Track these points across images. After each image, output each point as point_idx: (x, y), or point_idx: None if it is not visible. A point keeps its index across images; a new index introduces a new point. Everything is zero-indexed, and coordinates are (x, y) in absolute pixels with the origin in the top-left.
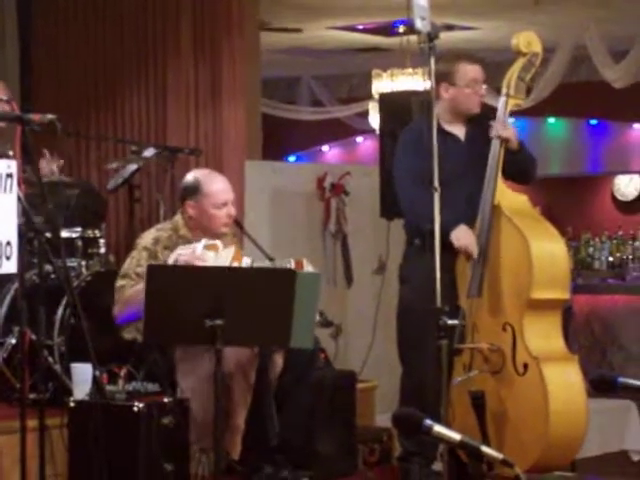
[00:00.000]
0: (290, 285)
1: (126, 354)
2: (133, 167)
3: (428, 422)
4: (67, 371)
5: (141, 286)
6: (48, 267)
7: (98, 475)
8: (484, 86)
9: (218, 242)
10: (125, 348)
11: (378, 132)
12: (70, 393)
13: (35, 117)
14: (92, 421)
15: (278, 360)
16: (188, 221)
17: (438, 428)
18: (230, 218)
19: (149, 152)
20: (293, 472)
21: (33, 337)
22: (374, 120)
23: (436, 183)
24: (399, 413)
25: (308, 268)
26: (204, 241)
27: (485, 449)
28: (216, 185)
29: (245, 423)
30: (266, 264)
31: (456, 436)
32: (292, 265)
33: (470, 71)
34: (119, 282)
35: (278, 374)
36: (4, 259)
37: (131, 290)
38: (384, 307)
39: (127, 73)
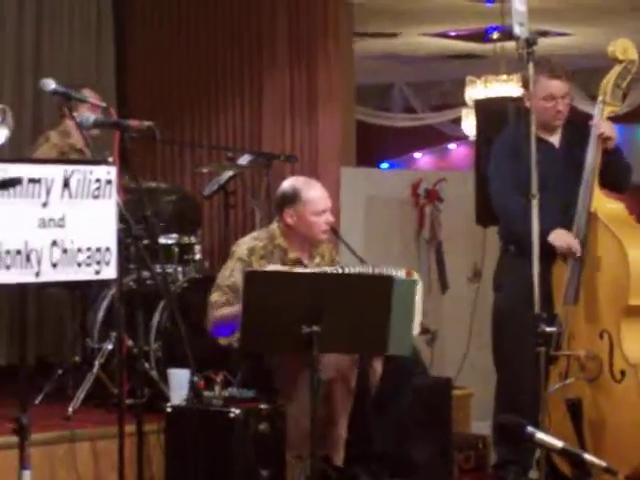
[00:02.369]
0: (387, 291)
1: (222, 360)
2: (229, 173)
3: (530, 429)
4: (163, 376)
5: (236, 309)
6: (144, 273)
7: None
8: (566, 100)
9: None
10: (221, 354)
11: (473, 138)
12: (166, 399)
13: (133, 123)
14: (189, 427)
15: (377, 367)
16: (285, 230)
17: (540, 435)
18: (329, 225)
19: (245, 159)
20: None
21: (130, 343)
22: (467, 127)
23: (534, 189)
24: (501, 420)
25: (415, 278)
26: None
27: (587, 456)
28: (315, 192)
29: (348, 430)
30: (367, 270)
31: (558, 443)
32: (403, 274)
33: (549, 86)
34: (212, 295)
35: (378, 381)
36: (103, 265)
37: (226, 311)
38: (479, 314)
39: (222, 80)
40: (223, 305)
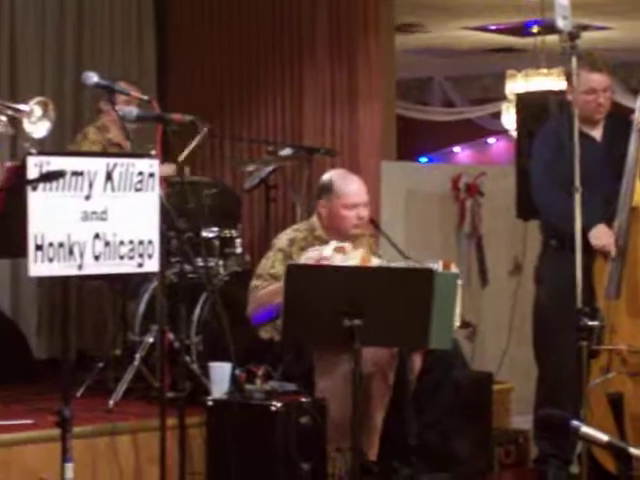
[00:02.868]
0: (428, 285)
1: (263, 353)
2: (269, 167)
3: (575, 423)
4: (204, 370)
5: (274, 287)
6: (186, 266)
7: (236, 473)
8: (607, 93)
9: (347, 244)
10: (262, 347)
11: (513, 132)
12: (207, 392)
13: (176, 117)
14: (230, 420)
15: (417, 361)
16: (323, 221)
17: (585, 429)
18: (360, 220)
19: (285, 152)
20: (430, 474)
21: (171, 336)
22: (507, 121)
23: (577, 183)
24: (545, 414)
25: (454, 270)
26: (334, 243)
27: (633, 450)
28: (349, 186)
29: (383, 423)
30: (407, 264)
31: (603, 437)
32: (440, 266)
33: (590, 80)
34: (252, 282)
35: (417, 375)
36: (146, 257)
37: (264, 291)
38: (520, 308)
39: (263, 74)
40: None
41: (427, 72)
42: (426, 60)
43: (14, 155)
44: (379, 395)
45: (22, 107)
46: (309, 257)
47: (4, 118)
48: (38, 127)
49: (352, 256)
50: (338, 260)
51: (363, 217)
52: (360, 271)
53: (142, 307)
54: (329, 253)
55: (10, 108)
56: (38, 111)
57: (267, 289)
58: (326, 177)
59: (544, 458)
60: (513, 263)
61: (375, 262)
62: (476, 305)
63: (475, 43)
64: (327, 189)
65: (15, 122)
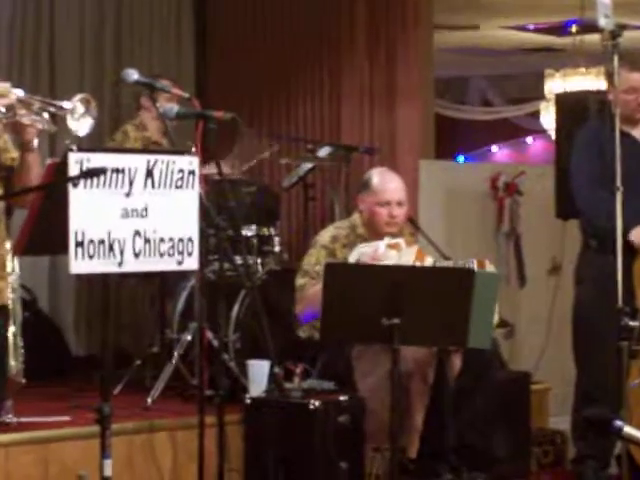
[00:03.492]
0: (468, 284)
1: (300, 351)
2: (308, 166)
3: (618, 423)
4: (241, 368)
5: (321, 286)
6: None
7: (274, 472)
8: None
9: (401, 240)
10: (299, 345)
11: (553, 132)
12: (245, 390)
13: (217, 114)
14: (268, 418)
15: (456, 361)
16: (363, 218)
17: (629, 429)
18: (392, 218)
19: (324, 151)
20: (468, 474)
21: (209, 334)
22: (546, 120)
23: (618, 182)
24: (587, 414)
25: (490, 269)
26: (387, 239)
27: None
28: (385, 184)
29: (422, 423)
30: (446, 263)
31: None
32: (474, 265)
33: (630, 79)
34: (299, 280)
35: (456, 375)
36: (186, 255)
37: (312, 290)
38: (558, 308)
39: (302, 72)
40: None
41: (465, 71)
42: (464, 59)
43: (53, 152)
44: (419, 394)
45: (65, 104)
46: (363, 253)
47: (47, 115)
48: (81, 124)
49: (406, 252)
50: (393, 257)
51: (395, 216)
52: (400, 270)
53: (180, 305)
54: (383, 250)
55: (53, 105)
56: (80, 108)
57: (315, 288)
58: (367, 174)
59: (582, 459)
60: (551, 263)
61: (429, 260)
62: (514, 304)
63: (513, 42)
64: (364, 185)
65: (56, 119)
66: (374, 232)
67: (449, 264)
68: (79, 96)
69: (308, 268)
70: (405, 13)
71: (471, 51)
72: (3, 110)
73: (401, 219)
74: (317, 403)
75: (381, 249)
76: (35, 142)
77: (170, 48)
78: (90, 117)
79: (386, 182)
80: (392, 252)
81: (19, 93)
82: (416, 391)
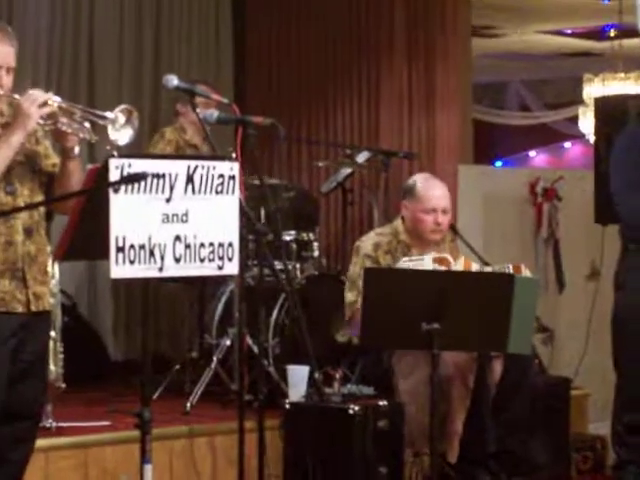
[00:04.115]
0: (508, 289)
1: (339, 356)
2: (347, 171)
3: None
4: (280, 373)
5: None
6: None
7: (313, 477)
8: None
9: (447, 255)
10: (338, 350)
11: (592, 137)
12: (284, 395)
13: (257, 120)
14: (308, 423)
15: (497, 366)
16: (406, 225)
17: None
18: (438, 226)
19: (363, 156)
20: (508, 479)
21: (249, 339)
22: (584, 125)
23: None
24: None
25: (526, 273)
26: (433, 254)
27: None
28: (430, 191)
29: (462, 428)
30: (502, 268)
31: None
32: (510, 269)
33: None
34: (350, 296)
35: (497, 380)
36: (226, 260)
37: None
38: (597, 314)
39: (340, 77)
40: None
41: (503, 76)
42: (502, 64)
43: (93, 159)
44: (459, 399)
45: (107, 114)
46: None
47: (88, 124)
48: (121, 134)
49: (457, 266)
50: None
51: (441, 223)
52: (439, 275)
53: (219, 310)
54: (430, 267)
55: (95, 114)
56: (122, 119)
57: None
58: (411, 179)
59: (622, 464)
60: (590, 268)
61: (476, 268)
62: (553, 310)
63: (551, 47)
64: (409, 191)
65: (96, 128)
66: (418, 239)
67: (489, 270)
68: (121, 107)
69: (356, 281)
70: (444, 19)
71: (509, 56)
72: (44, 118)
73: (445, 226)
74: (356, 408)
75: (428, 266)
76: (76, 149)
77: (209, 54)
78: (131, 128)
79: (431, 189)
80: (441, 268)
81: (61, 102)
82: (457, 396)
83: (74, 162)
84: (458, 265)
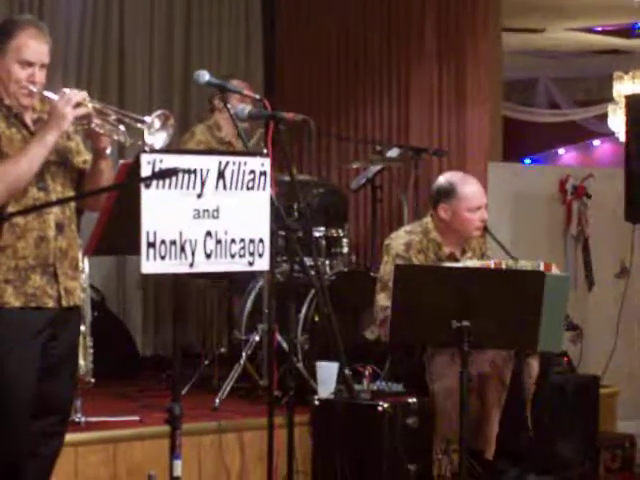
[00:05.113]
0: (539, 287)
1: (368, 353)
2: (377, 167)
3: None
4: (309, 369)
5: None
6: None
7: (342, 473)
8: None
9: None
10: (367, 347)
11: (622, 134)
12: (312, 391)
13: (288, 116)
14: (337, 420)
15: (534, 363)
16: (439, 224)
17: None
18: (483, 222)
19: (393, 152)
20: (537, 476)
21: (278, 335)
22: (613, 122)
23: None
24: None
25: (555, 272)
26: (468, 261)
27: None
28: (471, 189)
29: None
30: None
31: None
32: (542, 267)
33: None
34: (381, 298)
35: (535, 378)
36: (257, 256)
37: None
38: (627, 312)
39: (370, 74)
40: None
41: (532, 73)
42: (532, 61)
43: (123, 156)
44: (495, 396)
45: (146, 119)
46: None
47: (123, 127)
48: (156, 138)
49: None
50: None
51: (486, 219)
52: (470, 272)
53: (248, 306)
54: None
55: (130, 117)
56: (157, 123)
57: None
58: (444, 180)
59: None
60: (620, 266)
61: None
62: (582, 308)
63: (580, 44)
64: (448, 193)
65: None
66: (451, 236)
67: (521, 265)
68: (158, 112)
69: (388, 283)
70: (474, 16)
71: (538, 53)
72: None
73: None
74: (385, 405)
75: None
76: (108, 149)
77: (239, 51)
78: (166, 132)
79: (472, 187)
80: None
81: (96, 103)
82: (493, 393)
83: (105, 161)
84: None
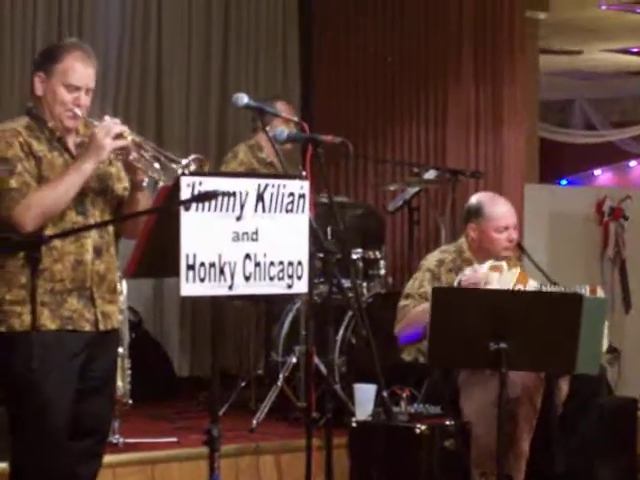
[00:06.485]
0: (577, 309)
1: (405, 375)
2: (414, 189)
3: None
4: (346, 391)
5: (423, 306)
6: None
7: None
8: None
9: (503, 263)
10: (404, 369)
11: None
12: (349, 413)
13: (327, 138)
14: (374, 442)
15: (563, 386)
16: (471, 244)
17: None
18: (511, 242)
19: (430, 174)
20: None
21: (315, 357)
22: None
23: None
24: None
25: (600, 295)
26: (490, 262)
27: None
28: (499, 209)
29: (530, 448)
30: (559, 288)
31: None
32: (587, 291)
33: None
34: (402, 302)
35: (563, 399)
36: (295, 279)
37: (414, 310)
38: None
39: (407, 95)
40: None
41: (568, 94)
42: (567, 82)
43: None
44: (526, 419)
45: (183, 161)
46: (464, 275)
47: (158, 165)
48: None
49: (508, 276)
50: (494, 279)
51: (513, 239)
52: (507, 294)
53: (285, 328)
54: (485, 271)
55: (166, 157)
56: (192, 166)
57: (417, 308)
58: (474, 200)
59: None
60: None
61: (532, 284)
62: (619, 330)
63: (617, 65)
64: (476, 212)
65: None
66: (489, 258)
67: (558, 289)
68: (194, 156)
69: (411, 291)
70: (511, 38)
71: (574, 75)
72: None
73: (515, 242)
74: (423, 427)
75: (483, 269)
76: (145, 182)
77: (276, 74)
78: None
79: (500, 207)
80: (494, 274)
81: (135, 136)
82: (523, 416)
83: (142, 193)
84: (511, 274)
